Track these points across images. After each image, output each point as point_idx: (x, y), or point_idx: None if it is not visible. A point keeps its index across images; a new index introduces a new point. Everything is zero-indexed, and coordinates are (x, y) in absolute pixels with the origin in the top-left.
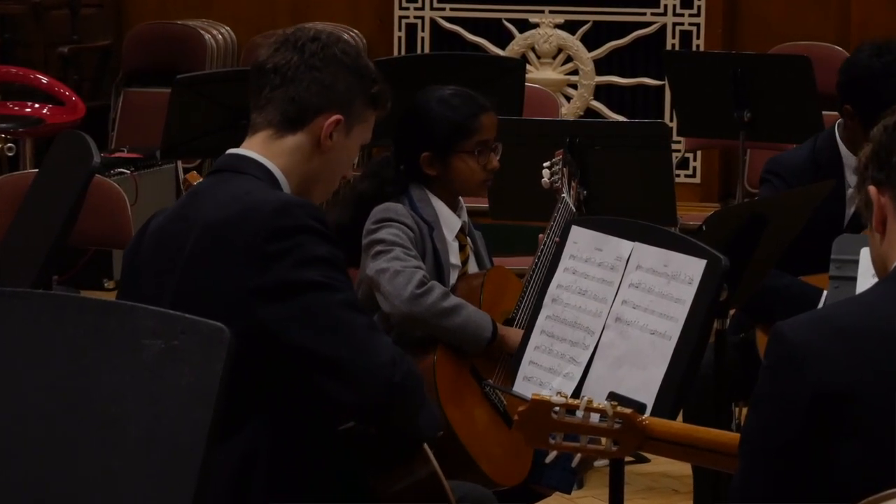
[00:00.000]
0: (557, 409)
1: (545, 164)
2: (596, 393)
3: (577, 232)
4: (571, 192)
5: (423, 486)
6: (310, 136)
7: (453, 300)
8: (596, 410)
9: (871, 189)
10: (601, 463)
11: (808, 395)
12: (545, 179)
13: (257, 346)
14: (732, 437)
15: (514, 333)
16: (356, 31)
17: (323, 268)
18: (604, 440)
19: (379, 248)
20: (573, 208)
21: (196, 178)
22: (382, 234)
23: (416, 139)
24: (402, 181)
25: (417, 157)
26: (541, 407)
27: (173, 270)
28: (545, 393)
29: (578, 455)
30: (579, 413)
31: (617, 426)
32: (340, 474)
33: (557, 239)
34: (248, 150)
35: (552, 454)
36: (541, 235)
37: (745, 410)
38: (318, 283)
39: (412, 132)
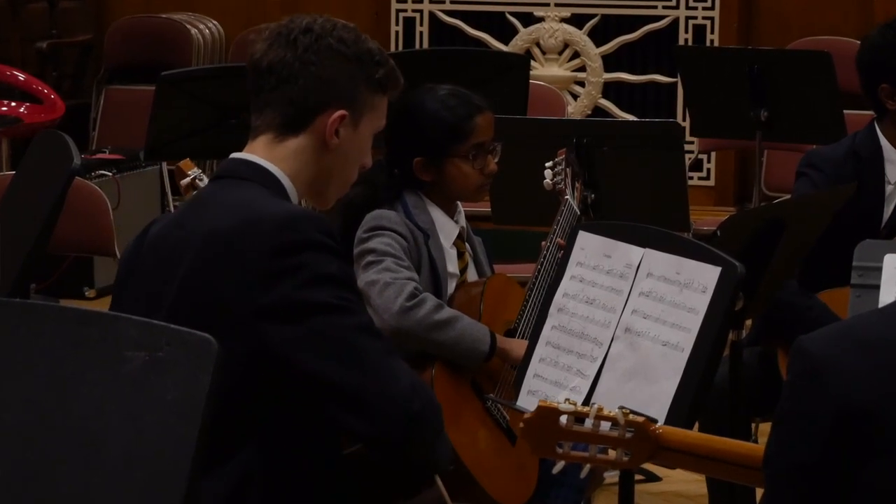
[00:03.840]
0: (566, 416)
1: (547, 165)
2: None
3: (584, 238)
4: (575, 194)
5: None
6: (314, 137)
7: (447, 312)
8: (606, 418)
9: None
10: (610, 481)
11: (832, 413)
12: (547, 181)
13: (258, 366)
14: (751, 447)
15: (516, 345)
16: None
17: (333, 288)
18: (615, 450)
19: (370, 258)
20: (577, 211)
21: (190, 167)
22: (373, 243)
23: (408, 143)
24: (395, 187)
25: (410, 162)
26: (548, 414)
27: (170, 282)
28: None
29: (587, 466)
30: (589, 421)
31: (629, 435)
32: (341, 502)
33: (560, 240)
34: (251, 154)
35: (559, 464)
36: (543, 242)
37: (763, 427)
38: (329, 305)
39: (404, 135)
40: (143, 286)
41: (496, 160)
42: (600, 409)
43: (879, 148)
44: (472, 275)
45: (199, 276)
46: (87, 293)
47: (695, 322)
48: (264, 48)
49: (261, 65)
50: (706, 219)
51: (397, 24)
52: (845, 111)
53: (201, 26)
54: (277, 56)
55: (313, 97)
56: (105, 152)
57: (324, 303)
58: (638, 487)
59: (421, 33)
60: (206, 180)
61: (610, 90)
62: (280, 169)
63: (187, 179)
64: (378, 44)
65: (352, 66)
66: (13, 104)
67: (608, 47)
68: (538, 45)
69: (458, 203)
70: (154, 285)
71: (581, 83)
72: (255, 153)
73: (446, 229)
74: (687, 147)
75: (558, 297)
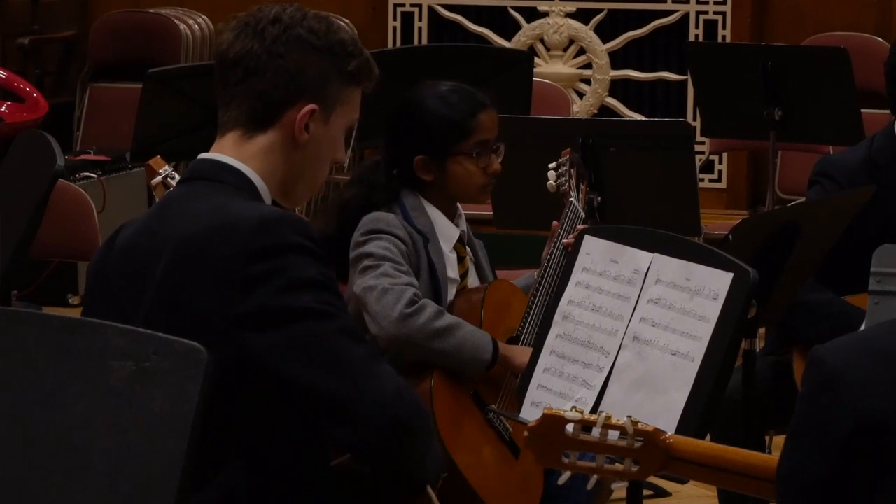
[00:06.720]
0: (572, 425)
1: (550, 165)
2: None
3: (590, 242)
4: (580, 196)
5: None
6: (283, 132)
7: (448, 319)
8: (615, 427)
9: None
10: (618, 496)
11: (849, 425)
12: (551, 182)
13: (241, 377)
14: (765, 458)
15: (519, 352)
16: (346, 20)
17: (314, 292)
18: (623, 461)
19: (367, 262)
20: (582, 214)
21: (161, 165)
22: (371, 247)
23: (409, 141)
24: (394, 187)
25: (411, 161)
26: (554, 423)
27: (144, 293)
28: None
29: (594, 477)
30: (596, 430)
31: (638, 445)
32: None
33: (565, 241)
34: (221, 153)
35: (565, 475)
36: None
37: (777, 440)
38: (310, 309)
39: (405, 133)
40: (116, 298)
41: (499, 160)
42: (608, 418)
43: None
44: (472, 280)
45: (173, 285)
46: (70, 300)
47: (706, 330)
48: (231, 38)
49: (227, 56)
50: (717, 222)
51: (395, 19)
52: (863, 110)
53: (190, 22)
54: (245, 47)
55: (281, 91)
56: (90, 153)
57: (304, 308)
58: (646, 503)
59: (420, 29)
60: (178, 178)
61: (617, 88)
62: (251, 168)
63: (158, 178)
64: (353, 33)
65: (322, 58)
66: None
67: (615, 43)
68: (542, 41)
69: (459, 206)
70: (127, 296)
71: (587, 81)
72: (225, 152)
73: (446, 233)
74: (697, 147)
75: (563, 305)
